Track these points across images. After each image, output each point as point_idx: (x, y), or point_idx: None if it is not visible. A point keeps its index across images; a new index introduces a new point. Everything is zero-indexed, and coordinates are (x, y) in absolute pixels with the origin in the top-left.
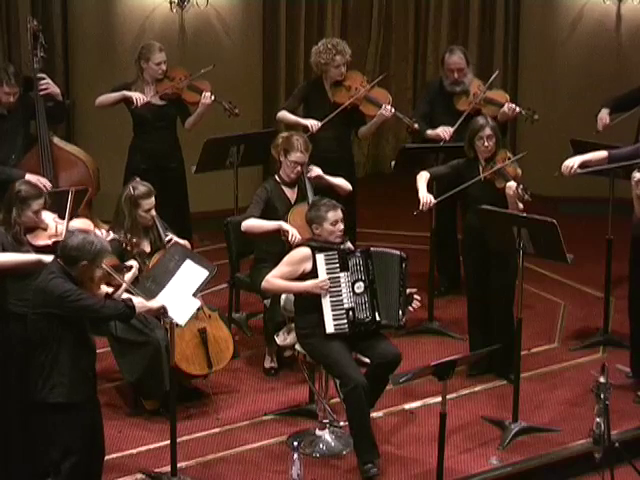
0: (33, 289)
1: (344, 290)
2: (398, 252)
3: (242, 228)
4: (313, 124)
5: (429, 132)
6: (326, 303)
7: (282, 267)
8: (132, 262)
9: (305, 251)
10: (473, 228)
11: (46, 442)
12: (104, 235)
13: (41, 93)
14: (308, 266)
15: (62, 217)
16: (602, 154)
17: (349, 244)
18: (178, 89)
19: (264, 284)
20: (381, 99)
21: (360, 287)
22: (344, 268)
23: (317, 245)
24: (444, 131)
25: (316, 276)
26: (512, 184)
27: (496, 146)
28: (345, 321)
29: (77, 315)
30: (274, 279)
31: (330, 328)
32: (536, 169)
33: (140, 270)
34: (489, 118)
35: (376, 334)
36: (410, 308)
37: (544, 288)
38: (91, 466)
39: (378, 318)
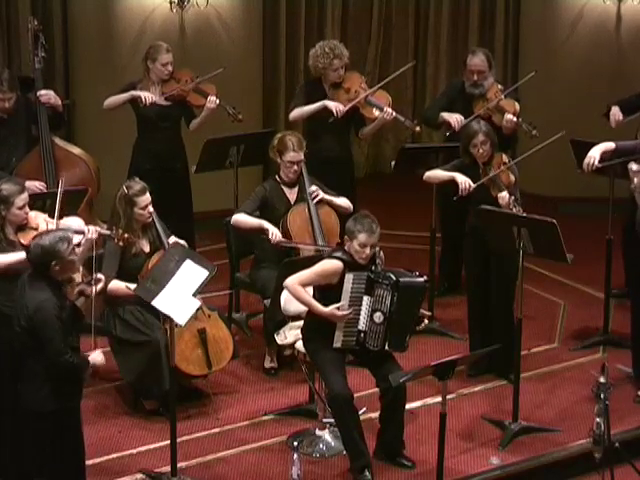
0: (20, 301)
1: (363, 313)
2: (422, 279)
3: (231, 221)
4: (339, 109)
5: (444, 114)
6: None
7: (311, 275)
8: (100, 275)
9: (339, 266)
10: (474, 229)
11: (34, 446)
12: (94, 231)
13: (45, 106)
14: (335, 280)
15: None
16: (610, 145)
17: (381, 254)
18: (184, 91)
19: (289, 285)
20: (382, 102)
21: (379, 317)
22: (369, 293)
23: (350, 262)
24: (457, 120)
25: (339, 291)
26: (504, 195)
27: (492, 149)
28: (354, 340)
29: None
30: (300, 287)
31: (338, 343)
32: (536, 169)
33: (128, 263)
34: (482, 123)
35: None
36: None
37: (544, 288)
38: (74, 469)
39: (386, 347)
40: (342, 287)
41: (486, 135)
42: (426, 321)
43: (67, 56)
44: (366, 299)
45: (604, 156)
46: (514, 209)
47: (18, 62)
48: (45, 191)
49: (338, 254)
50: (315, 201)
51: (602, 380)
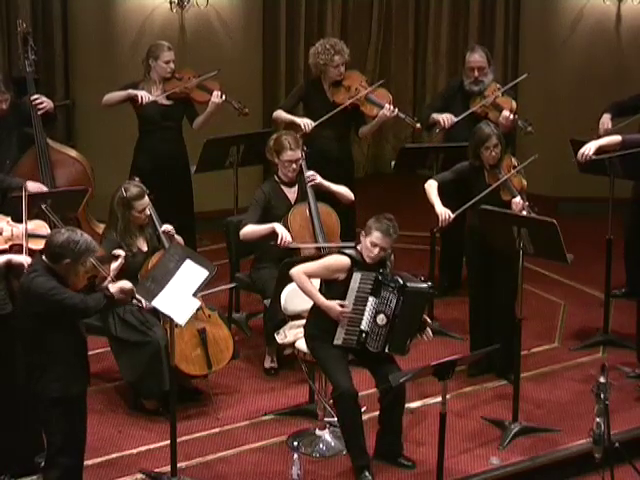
0: (18, 290)
1: (367, 313)
2: (427, 285)
3: (240, 237)
4: (307, 123)
5: (434, 115)
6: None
7: (319, 267)
8: (118, 251)
9: (346, 263)
10: (476, 229)
11: (46, 431)
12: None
13: (39, 112)
14: (342, 276)
15: (16, 220)
16: (616, 138)
17: (392, 257)
18: (187, 89)
19: (295, 274)
20: (382, 99)
21: (382, 320)
22: (375, 294)
23: (360, 261)
24: (445, 119)
25: (346, 289)
26: (518, 201)
27: (501, 152)
28: (355, 339)
29: (61, 313)
30: (306, 277)
31: (338, 341)
32: (536, 169)
33: (126, 262)
34: (492, 125)
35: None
36: (420, 337)
37: (544, 288)
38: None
39: (387, 350)
40: (348, 284)
41: (498, 138)
42: (429, 333)
43: (67, 56)
44: (371, 300)
45: (607, 148)
46: (531, 215)
47: (18, 62)
48: (45, 191)
49: (348, 251)
50: (310, 184)
51: (602, 380)
